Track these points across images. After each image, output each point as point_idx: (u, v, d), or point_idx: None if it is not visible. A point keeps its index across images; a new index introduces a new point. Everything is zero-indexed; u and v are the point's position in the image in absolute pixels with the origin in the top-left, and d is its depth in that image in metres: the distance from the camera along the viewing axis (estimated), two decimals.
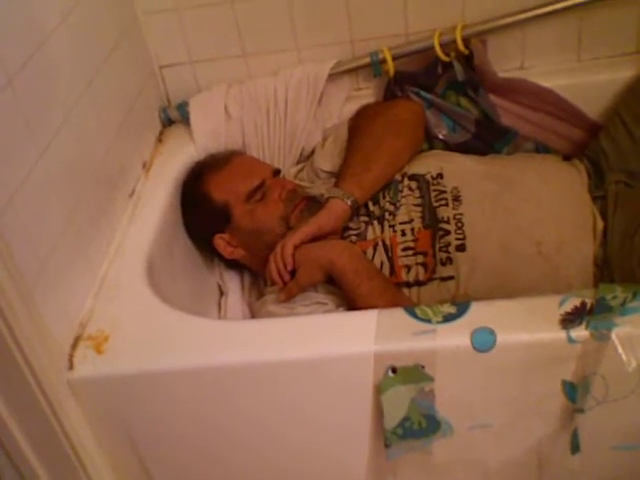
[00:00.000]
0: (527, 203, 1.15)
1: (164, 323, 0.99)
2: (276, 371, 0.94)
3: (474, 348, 0.88)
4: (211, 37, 1.38)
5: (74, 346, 0.96)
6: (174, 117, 1.41)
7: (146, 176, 1.28)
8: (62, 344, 0.95)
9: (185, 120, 1.39)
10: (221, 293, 1.34)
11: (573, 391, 0.89)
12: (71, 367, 0.94)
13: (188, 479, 1.06)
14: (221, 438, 1.00)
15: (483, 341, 0.88)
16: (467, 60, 1.32)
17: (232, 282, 1.33)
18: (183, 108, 1.39)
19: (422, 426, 0.92)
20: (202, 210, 1.25)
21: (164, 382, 0.95)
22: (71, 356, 0.95)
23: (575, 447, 0.92)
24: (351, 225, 1.19)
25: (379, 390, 0.90)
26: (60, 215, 0.97)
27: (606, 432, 0.93)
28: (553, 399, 0.91)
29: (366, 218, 1.20)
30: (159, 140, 1.38)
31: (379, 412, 0.92)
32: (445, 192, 1.17)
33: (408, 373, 0.90)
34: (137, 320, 1.00)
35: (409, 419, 0.92)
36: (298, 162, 1.42)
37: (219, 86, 1.39)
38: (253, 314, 1.25)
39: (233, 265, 1.32)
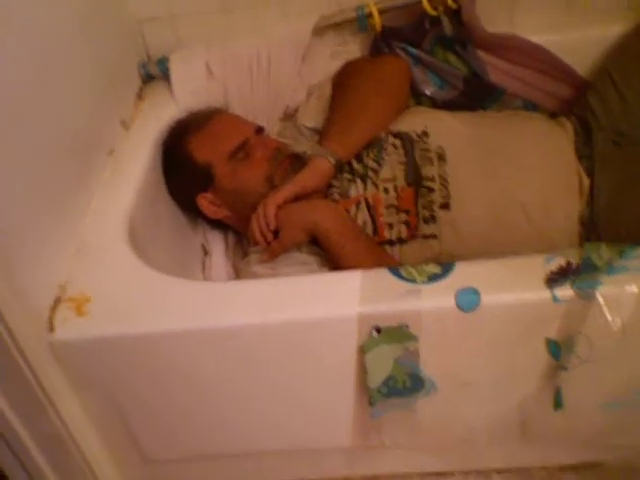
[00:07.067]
0: (513, 164, 1.13)
1: (146, 285, 0.98)
2: (260, 333, 0.93)
3: (459, 308, 0.87)
4: None
5: (54, 308, 0.94)
6: (154, 73, 1.37)
7: (126, 134, 1.25)
8: (41, 306, 0.93)
9: (165, 76, 1.35)
10: (205, 253, 1.33)
11: (557, 349, 0.90)
12: (51, 329, 0.92)
13: (174, 442, 1.06)
14: (206, 400, 1.00)
15: (467, 301, 0.87)
16: (455, 15, 1.28)
17: (216, 242, 1.32)
18: (163, 64, 1.35)
19: (406, 385, 0.93)
20: (184, 170, 1.22)
21: (147, 344, 0.94)
22: (51, 318, 0.93)
23: (558, 403, 0.92)
24: (334, 183, 1.17)
25: (363, 350, 0.90)
26: (37, 176, 0.95)
27: (592, 390, 0.93)
28: (537, 357, 0.91)
29: (349, 176, 1.18)
30: (139, 97, 1.35)
31: (363, 372, 0.92)
32: (430, 151, 1.15)
33: (392, 333, 0.89)
34: (118, 282, 0.98)
35: (393, 378, 0.92)
36: (282, 120, 1.39)
37: (199, 45, 1.35)
38: (237, 274, 1.24)
39: (217, 225, 1.30)
